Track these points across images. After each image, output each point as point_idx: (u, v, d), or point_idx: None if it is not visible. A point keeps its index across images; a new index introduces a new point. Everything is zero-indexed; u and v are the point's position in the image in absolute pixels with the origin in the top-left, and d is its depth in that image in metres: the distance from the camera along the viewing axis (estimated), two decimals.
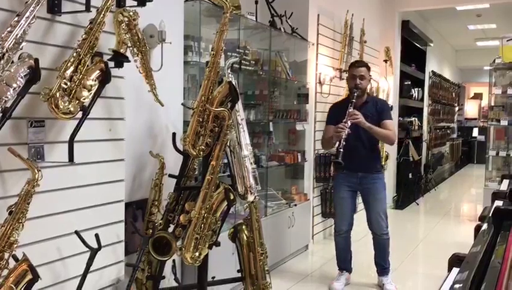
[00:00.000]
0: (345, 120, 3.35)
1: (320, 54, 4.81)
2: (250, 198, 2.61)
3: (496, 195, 3.73)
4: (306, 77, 4.63)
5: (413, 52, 8.64)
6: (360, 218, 4.04)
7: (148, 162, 2.76)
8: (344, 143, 3.27)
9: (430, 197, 8.47)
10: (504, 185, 4.43)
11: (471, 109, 15.69)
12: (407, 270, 4.24)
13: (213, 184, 2.42)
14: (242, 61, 3.58)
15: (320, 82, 4.82)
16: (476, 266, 1.34)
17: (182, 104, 2.94)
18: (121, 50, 2.10)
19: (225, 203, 2.49)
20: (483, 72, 14.25)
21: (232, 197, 2.48)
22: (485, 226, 1.84)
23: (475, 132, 14.62)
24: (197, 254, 2.42)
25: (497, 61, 5.88)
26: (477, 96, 15.95)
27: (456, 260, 2.01)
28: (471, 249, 1.58)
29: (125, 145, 2.40)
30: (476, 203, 8.16)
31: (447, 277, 1.88)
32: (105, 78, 2.00)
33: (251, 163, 2.64)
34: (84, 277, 2.06)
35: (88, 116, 1.99)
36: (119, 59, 2.11)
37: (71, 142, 1.95)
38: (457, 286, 1.28)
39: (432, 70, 9.86)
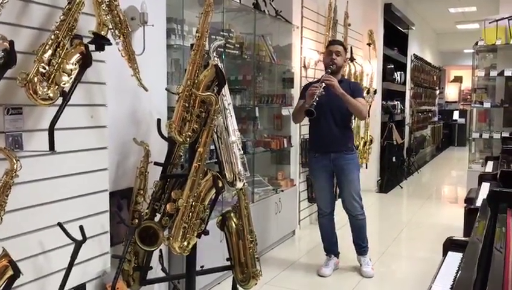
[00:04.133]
0: (319, 82, 3.37)
1: (304, 37, 4.73)
2: (239, 185, 2.54)
3: (483, 177, 3.74)
4: (290, 61, 4.56)
5: (395, 35, 8.62)
6: (340, 203, 4.01)
7: (132, 150, 2.66)
8: (318, 99, 3.25)
9: (413, 180, 8.53)
10: (489, 167, 4.46)
11: (451, 92, 15.85)
12: (393, 254, 4.24)
13: (201, 171, 2.34)
14: (226, 45, 3.48)
15: (305, 66, 4.75)
16: (479, 252, 1.30)
17: (166, 89, 2.85)
18: (102, 32, 1.99)
19: (213, 190, 2.42)
20: (463, 55, 14.38)
21: (220, 185, 2.41)
22: (481, 209, 1.81)
23: (455, 115, 14.77)
24: (185, 243, 2.35)
25: (480, 43, 5.88)
26: (458, 79, 16.11)
27: (450, 244, 1.99)
28: (472, 235, 1.54)
29: (108, 133, 2.30)
30: (458, 186, 8.26)
31: (443, 261, 1.85)
32: (86, 62, 1.89)
33: (239, 149, 2.56)
34: (68, 270, 1.98)
35: (69, 103, 1.88)
36: (100, 42, 2.01)
37: (51, 130, 1.85)
38: (463, 272, 1.23)
39: (414, 54, 9.87)
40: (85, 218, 2.15)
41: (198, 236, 2.43)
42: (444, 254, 1.95)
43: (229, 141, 2.54)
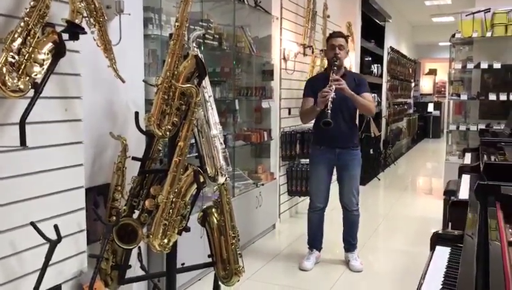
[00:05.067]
0: (329, 85, 3.28)
1: (284, 28, 4.67)
2: (221, 180, 2.47)
3: (463, 169, 3.75)
4: (270, 53, 4.49)
5: (372, 28, 8.63)
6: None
7: (108, 145, 2.56)
8: (331, 105, 3.19)
9: (390, 172, 8.60)
10: (467, 159, 4.49)
11: (426, 85, 16.05)
12: (373, 246, 4.24)
13: (181, 166, 2.26)
14: (205, 36, 3.38)
15: (284, 58, 4.69)
16: (476, 249, 1.27)
17: (144, 80, 2.75)
18: (76, 20, 1.88)
19: (194, 186, 2.34)
20: (438, 48, 14.56)
21: (202, 180, 2.33)
22: (470, 202, 1.78)
23: (430, 107, 14.97)
24: (165, 240, 2.26)
25: (457, 36, 5.91)
26: (432, 72, 16.32)
27: (437, 239, 1.96)
28: (465, 229, 1.50)
29: (83, 127, 2.20)
30: (435, 177, 8.35)
31: (431, 256, 1.82)
32: (59, 52, 1.79)
33: (221, 143, 2.48)
34: (43, 271, 1.87)
35: (41, 95, 1.78)
36: (74, 30, 1.90)
37: (22, 124, 1.74)
38: (463, 268, 1.19)
39: (391, 46, 9.92)
40: (60, 216, 2.04)
41: (179, 233, 2.34)
42: (432, 249, 1.92)
43: (210, 135, 2.46)
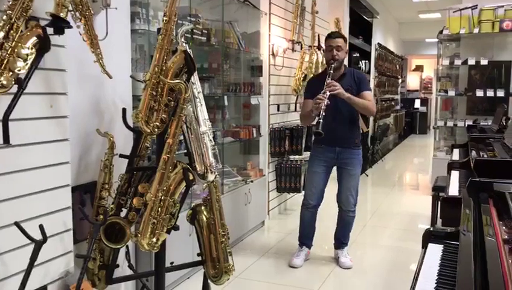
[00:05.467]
0: (323, 91, 3.23)
1: (272, 24, 4.63)
2: (211, 177, 2.43)
3: (452, 165, 3.76)
4: (259, 49, 4.45)
5: (360, 24, 8.64)
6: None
7: (94, 142, 2.50)
8: (324, 114, 3.15)
9: (378, 168, 8.63)
10: (456, 155, 4.50)
11: (412, 81, 16.14)
12: (363, 242, 4.24)
13: (170, 164, 2.22)
14: (193, 31, 3.33)
15: (273, 54, 4.66)
16: (472, 246, 1.25)
17: (131, 76, 2.69)
18: (61, 14, 1.82)
19: (183, 184, 2.30)
20: (424, 44, 14.65)
21: (191, 178, 2.29)
22: (463, 199, 1.77)
23: (417, 103, 15.06)
24: (154, 239, 2.23)
25: (445, 32, 5.93)
26: (419, 68, 16.43)
27: (430, 236, 1.95)
28: (461, 226, 1.49)
29: (69, 124, 2.14)
30: (422, 173, 8.41)
31: (424, 254, 1.81)
32: (43, 46, 1.73)
33: (210, 140, 2.45)
34: (28, 272, 1.82)
35: (25, 91, 1.72)
36: (59, 24, 1.84)
37: (6, 121, 1.69)
38: (461, 267, 1.17)
39: (378, 43, 9.94)
40: (45, 215, 1.99)
41: (168, 232, 2.31)
42: (424, 246, 1.90)
43: (200, 131, 2.42)
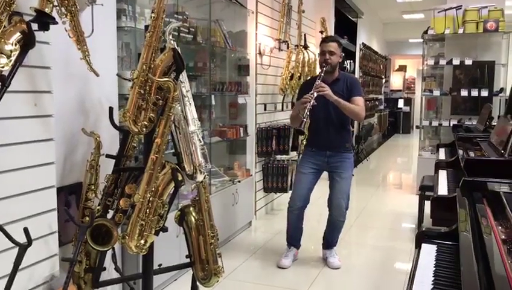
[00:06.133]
0: (311, 92, 3.23)
1: (259, 23, 4.60)
2: (200, 178, 2.38)
3: (439, 165, 3.78)
4: (246, 48, 4.41)
5: (345, 24, 8.66)
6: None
7: (80, 141, 2.44)
8: (308, 114, 3.15)
9: (363, 167, 8.66)
10: (442, 154, 4.53)
11: (396, 81, 16.25)
12: (351, 242, 4.23)
13: (158, 164, 2.17)
14: (180, 29, 3.28)
15: (260, 53, 4.62)
16: (473, 248, 1.23)
17: (118, 74, 2.63)
18: (46, 9, 1.76)
19: (172, 184, 2.26)
20: (407, 44, 14.77)
21: (180, 178, 2.25)
22: (458, 199, 1.75)
23: (400, 103, 15.19)
24: (142, 241, 2.18)
25: (430, 32, 5.96)
26: (402, 68, 16.57)
27: (423, 236, 1.93)
28: (459, 227, 1.47)
29: (54, 123, 2.08)
30: (407, 173, 8.46)
31: (418, 254, 1.79)
32: (28, 42, 1.67)
33: (199, 139, 2.40)
34: (12, 277, 1.76)
35: (8, 89, 1.65)
36: (44, 20, 1.78)
37: None
38: (465, 267, 1.15)
39: (363, 43, 9.97)
40: (30, 218, 1.92)
41: (156, 233, 2.26)
42: (417, 246, 1.89)
43: (188, 131, 2.37)
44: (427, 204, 4.40)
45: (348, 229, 4.56)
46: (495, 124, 4.14)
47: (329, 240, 3.69)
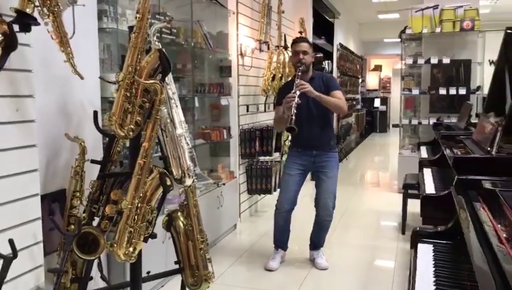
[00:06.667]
0: (293, 91, 3.22)
1: (240, 23, 4.56)
2: (188, 182, 2.33)
3: (423, 163, 3.80)
4: (227, 49, 4.37)
5: (322, 24, 8.68)
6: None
7: (62, 147, 2.36)
8: (295, 111, 3.14)
9: (343, 167, 8.67)
10: (424, 153, 4.57)
11: (372, 81, 16.42)
12: (336, 242, 4.21)
13: (146, 169, 2.11)
14: (162, 30, 3.21)
15: (241, 54, 4.58)
16: (480, 246, 1.21)
17: (100, 77, 2.55)
18: (27, 10, 1.69)
19: (160, 189, 2.19)
20: (383, 44, 14.94)
21: (168, 183, 2.19)
22: (455, 198, 1.75)
23: (377, 103, 15.34)
24: (131, 249, 2.11)
25: (408, 31, 6.02)
26: (377, 68, 16.75)
27: (418, 236, 1.92)
28: (463, 225, 1.45)
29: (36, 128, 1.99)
30: (388, 171, 8.53)
31: (416, 254, 1.78)
32: (10, 44, 1.59)
33: (187, 143, 2.34)
34: None
35: None
36: (26, 21, 1.70)
37: None
38: (477, 264, 1.13)
39: (340, 43, 10.02)
40: (14, 228, 1.84)
41: (145, 240, 2.19)
42: (413, 246, 1.88)
43: (176, 134, 2.31)
44: (410, 202, 4.45)
45: (333, 229, 4.52)
46: (475, 121, 4.20)
47: (317, 241, 3.68)
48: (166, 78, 2.27)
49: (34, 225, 1.97)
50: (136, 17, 2.11)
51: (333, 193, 3.56)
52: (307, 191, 3.72)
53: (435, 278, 1.50)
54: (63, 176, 2.34)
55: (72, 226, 2.20)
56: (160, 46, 2.25)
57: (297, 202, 3.62)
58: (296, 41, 3.60)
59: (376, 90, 16.33)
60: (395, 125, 15.68)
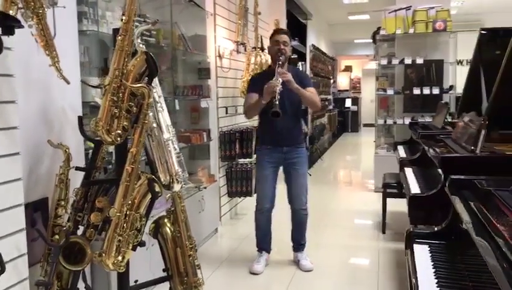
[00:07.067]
0: (275, 78, 3.21)
1: (218, 25, 4.51)
2: (177, 187, 2.28)
3: (403, 163, 3.84)
4: (205, 51, 4.32)
5: (295, 25, 8.71)
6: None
7: (44, 154, 2.27)
8: (279, 97, 3.13)
9: (319, 167, 8.75)
10: (402, 152, 4.61)
11: (342, 81, 16.61)
12: (318, 243, 4.20)
13: (135, 175, 2.05)
14: (143, 32, 3.14)
15: (220, 56, 4.54)
16: (490, 246, 1.21)
17: (82, 81, 2.47)
18: (11, 12, 1.61)
19: (149, 196, 2.13)
20: (353, 45, 15.13)
21: (157, 189, 2.13)
22: (452, 198, 1.75)
23: (348, 103, 15.52)
24: (119, 258, 2.04)
25: (382, 32, 6.10)
26: (348, 68, 16.96)
27: (412, 236, 1.93)
28: (467, 226, 1.46)
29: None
30: (361, 170, 8.62)
31: (413, 256, 1.78)
32: None
33: (175, 147, 2.29)
34: None
35: None
36: (9, 23, 1.62)
37: None
38: (491, 261, 1.13)
39: (312, 44, 10.09)
40: None
41: (134, 249, 2.13)
42: (408, 247, 1.88)
43: (163, 139, 2.26)
44: (389, 201, 4.50)
45: (313, 230, 4.54)
46: (452, 121, 4.28)
47: (298, 238, 3.67)
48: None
49: (18, 237, 1.88)
50: (121, 20, 2.04)
51: (305, 188, 3.58)
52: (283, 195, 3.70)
53: (436, 280, 1.50)
54: (45, 184, 2.26)
55: (57, 236, 2.13)
56: (145, 49, 2.20)
57: (275, 199, 3.62)
58: (277, 31, 3.58)
59: (347, 90, 16.53)
60: (366, 125, 15.95)
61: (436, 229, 1.84)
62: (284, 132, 3.43)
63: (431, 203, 2.39)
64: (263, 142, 3.58)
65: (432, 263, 1.64)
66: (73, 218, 2.20)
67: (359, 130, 15.65)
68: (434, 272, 1.56)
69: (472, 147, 2.51)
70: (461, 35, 6.54)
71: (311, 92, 3.46)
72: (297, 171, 3.52)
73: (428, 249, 1.79)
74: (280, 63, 3.33)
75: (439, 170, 2.58)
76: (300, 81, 3.45)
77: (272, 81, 3.20)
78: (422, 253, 1.76)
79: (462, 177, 1.84)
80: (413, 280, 1.53)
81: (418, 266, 1.63)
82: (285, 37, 3.46)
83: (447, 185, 1.85)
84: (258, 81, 3.45)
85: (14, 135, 1.86)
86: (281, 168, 3.62)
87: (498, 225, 1.30)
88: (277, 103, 3.10)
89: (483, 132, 2.46)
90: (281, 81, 3.20)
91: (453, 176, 1.85)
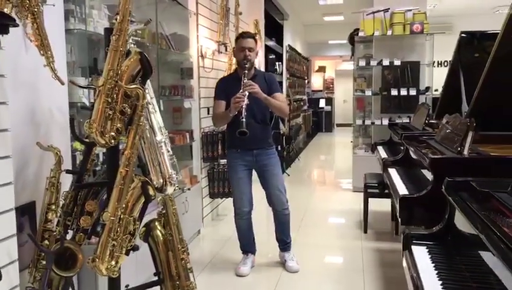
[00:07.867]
0: (241, 90, 3.19)
1: (200, 25, 4.47)
2: (170, 190, 2.24)
3: (386, 163, 3.88)
4: (188, 51, 4.27)
5: (272, 26, 8.72)
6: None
7: (31, 157, 2.19)
8: (246, 113, 3.11)
9: (296, 167, 8.78)
10: (382, 152, 4.66)
11: (316, 81, 16.74)
12: (302, 243, 4.20)
13: (129, 178, 2.00)
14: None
15: (202, 56, 4.50)
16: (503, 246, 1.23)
17: (71, 81, 2.40)
18: (5, 9, 1.55)
19: (142, 199, 2.09)
20: (327, 46, 15.26)
21: (151, 192, 2.09)
22: (451, 199, 1.78)
23: (322, 103, 15.65)
24: (113, 263, 2.00)
25: (360, 34, 6.16)
26: (321, 69, 17.10)
27: (409, 238, 1.95)
28: (474, 228, 1.48)
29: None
30: (337, 171, 8.70)
31: (412, 257, 1.80)
32: None
33: (168, 149, 2.26)
34: None
35: None
36: (3, 22, 1.56)
37: None
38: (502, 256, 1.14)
39: (289, 45, 10.12)
40: None
41: (127, 253, 2.09)
42: (405, 248, 1.90)
43: (156, 140, 2.22)
44: (371, 201, 4.56)
45: (296, 230, 4.56)
46: (432, 122, 4.35)
47: (283, 238, 3.66)
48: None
49: (9, 243, 1.81)
50: (115, 19, 2.00)
51: (283, 187, 3.57)
52: (261, 196, 3.70)
53: (440, 282, 1.52)
54: (33, 187, 2.19)
55: (47, 242, 2.06)
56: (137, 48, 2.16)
57: (253, 201, 3.62)
58: (242, 36, 3.49)
59: (320, 90, 16.67)
60: (339, 125, 16.13)
61: (433, 230, 1.86)
62: (252, 136, 3.35)
63: (422, 204, 2.42)
64: (232, 146, 3.55)
65: (433, 265, 1.66)
66: (62, 222, 2.13)
67: (333, 130, 15.81)
68: (437, 274, 1.58)
69: (459, 148, 2.56)
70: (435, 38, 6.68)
71: (278, 99, 3.45)
72: (271, 171, 3.51)
73: (427, 250, 1.81)
74: (246, 72, 3.31)
75: (426, 171, 2.62)
76: (269, 86, 3.45)
77: (238, 95, 3.18)
78: (421, 254, 1.78)
79: (459, 179, 1.87)
80: (418, 282, 1.54)
81: (420, 268, 1.64)
82: (250, 42, 3.40)
83: (443, 187, 1.88)
84: (225, 87, 3.43)
85: (5, 137, 1.78)
86: (255, 173, 3.61)
87: (504, 228, 1.32)
88: (244, 120, 3.07)
89: (470, 133, 2.51)
90: (247, 94, 3.18)
91: (448, 178, 1.87)
